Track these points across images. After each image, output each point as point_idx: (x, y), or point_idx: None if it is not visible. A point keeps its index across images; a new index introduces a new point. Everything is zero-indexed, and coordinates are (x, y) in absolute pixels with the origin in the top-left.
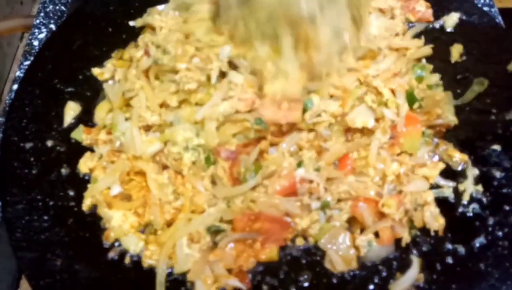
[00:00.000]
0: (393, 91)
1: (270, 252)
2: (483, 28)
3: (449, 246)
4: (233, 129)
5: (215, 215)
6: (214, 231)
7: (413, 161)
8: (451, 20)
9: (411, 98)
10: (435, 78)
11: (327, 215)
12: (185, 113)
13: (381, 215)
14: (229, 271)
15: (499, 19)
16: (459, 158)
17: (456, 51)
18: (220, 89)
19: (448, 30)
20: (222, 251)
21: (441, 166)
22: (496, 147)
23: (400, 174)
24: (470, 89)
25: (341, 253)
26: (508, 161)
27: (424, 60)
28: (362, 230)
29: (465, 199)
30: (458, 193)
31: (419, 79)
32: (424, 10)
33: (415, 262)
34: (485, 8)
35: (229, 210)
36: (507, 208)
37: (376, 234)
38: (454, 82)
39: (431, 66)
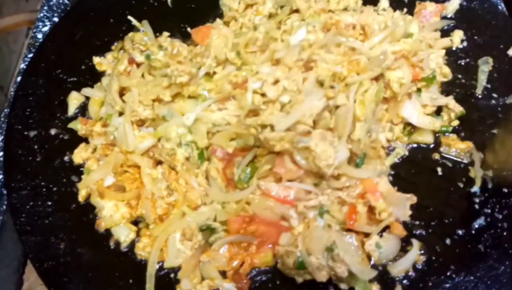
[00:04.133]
0: None
1: (265, 257)
2: (484, 13)
3: (448, 228)
4: (232, 134)
5: (208, 214)
6: (208, 230)
7: None
8: (451, 6)
9: None
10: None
11: (326, 221)
12: (178, 106)
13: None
14: (223, 272)
15: (501, 5)
16: (464, 147)
17: (457, 37)
18: (214, 91)
19: (449, 16)
20: (215, 252)
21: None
22: (496, 131)
23: None
24: (479, 70)
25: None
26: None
27: None
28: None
29: (477, 185)
30: (470, 180)
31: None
32: (433, 9)
33: (415, 244)
34: None
35: (224, 211)
36: (506, 190)
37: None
38: (458, 66)
39: None
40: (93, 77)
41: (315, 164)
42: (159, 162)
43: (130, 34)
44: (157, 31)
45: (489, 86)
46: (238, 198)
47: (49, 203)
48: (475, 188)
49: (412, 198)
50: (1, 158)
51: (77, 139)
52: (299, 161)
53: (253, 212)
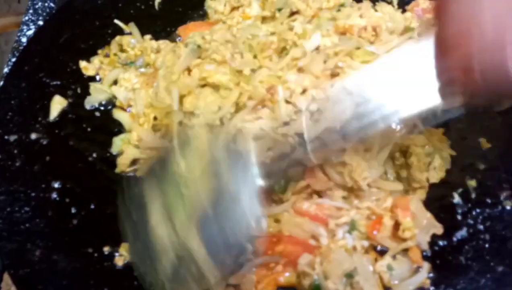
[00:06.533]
0: None
1: (290, 276)
2: None
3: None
4: (269, 143)
5: None
6: None
7: None
8: None
9: None
10: None
11: (354, 239)
12: None
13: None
14: None
15: None
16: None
17: None
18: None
19: None
20: (243, 276)
21: None
22: (482, 139)
23: None
24: None
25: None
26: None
27: None
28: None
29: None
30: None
31: None
32: (426, 6)
33: (426, 267)
34: None
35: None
36: (489, 201)
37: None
38: None
39: None
40: (77, 81)
41: (351, 177)
42: None
43: (117, 37)
44: (144, 34)
45: None
46: (275, 212)
47: (27, 209)
48: (458, 199)
49: (439, 229)
50: None
51: (57, 144)
52: (332, 175)
53: (281, 229)
